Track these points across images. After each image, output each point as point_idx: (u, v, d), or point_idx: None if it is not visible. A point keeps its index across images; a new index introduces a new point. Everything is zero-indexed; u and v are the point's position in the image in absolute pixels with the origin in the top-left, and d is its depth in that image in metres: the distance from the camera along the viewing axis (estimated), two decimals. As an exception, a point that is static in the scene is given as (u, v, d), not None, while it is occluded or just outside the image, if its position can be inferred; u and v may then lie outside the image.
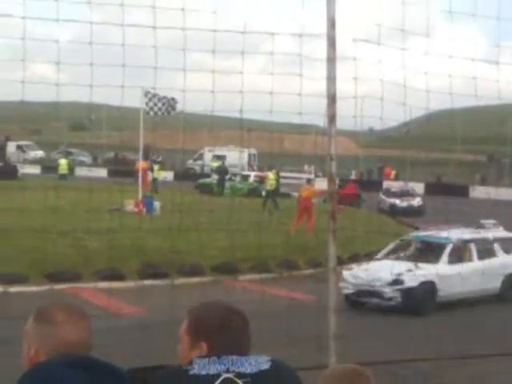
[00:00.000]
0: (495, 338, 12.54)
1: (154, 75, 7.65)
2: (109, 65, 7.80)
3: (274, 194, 35.93)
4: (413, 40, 9.33)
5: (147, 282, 17.60)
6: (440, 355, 10.74)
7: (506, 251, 18.58)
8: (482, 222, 20.00)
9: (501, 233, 19.67)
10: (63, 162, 50.85)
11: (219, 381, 2.62)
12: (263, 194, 37.11)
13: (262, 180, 47.89)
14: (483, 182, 59.16)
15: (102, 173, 60.12)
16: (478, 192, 50.65)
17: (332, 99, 6.36)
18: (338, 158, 6.76)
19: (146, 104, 28.22)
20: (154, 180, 43.34)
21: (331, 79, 6.34)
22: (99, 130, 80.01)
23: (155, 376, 2.74)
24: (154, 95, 28.02)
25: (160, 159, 71.52)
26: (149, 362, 3.08)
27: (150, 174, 42.07)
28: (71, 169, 54.12)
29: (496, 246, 18.53)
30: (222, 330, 2.72)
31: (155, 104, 28.34)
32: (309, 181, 34.08)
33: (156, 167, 46.02)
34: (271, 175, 37.09)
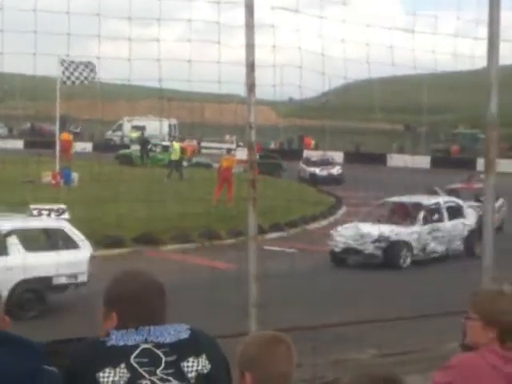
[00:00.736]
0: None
1: (67, 43, 7.42)
2: (20, 31, 7.54)
3: (179, 163, 36.27)
4: (330, 8, 9.36)
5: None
6: (360, 319, 10.97)
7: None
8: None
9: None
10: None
11: (137, 351, 2.59)
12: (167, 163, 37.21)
13: (182, 150, 47.69)
14: (400, 151, 60.42)
15: (18, 144, 58.46)
16: (396, 160, 51.73)
17: (251, 67, 6.32)
18: (258, 127, 6.75)
19: (63, 73, 27.48)
20: None
21: (250, 47, 6.30)
22: (13, 100, 77.74)
23: (72, 348, 2.69)
24: (71, 63, 27.27)
25: (78, 130, 70.24)
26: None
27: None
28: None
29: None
30: (131, 300, 2.68)
31: (71, 73, 27.61)
32: (229, 151, 34.10)
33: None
34: (175, 145, 37.31)
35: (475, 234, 18.69)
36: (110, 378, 2.52)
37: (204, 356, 2.67)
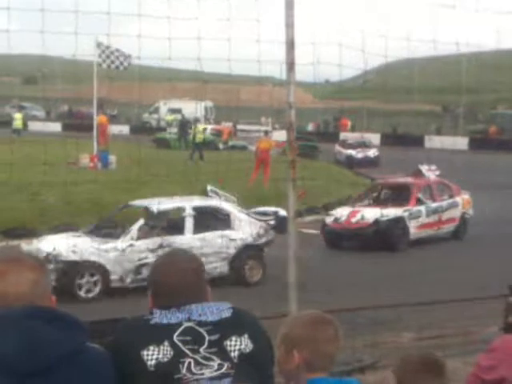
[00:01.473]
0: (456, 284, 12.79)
1: (107, 24, 7.44)
2: (61, 11, 7.56)
3: (202, 146, 36.31)
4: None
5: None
6: (397, 302, 10.90)
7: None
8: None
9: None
10: (18, 116, 48.56)
11: (181, 329, 2.59)
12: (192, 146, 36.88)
13: (218, 133, 47.75)
14: (438, 132, 59.77)
15: (56, 127, 59.04)
16: (434, 142, 51.22)
17: (290, 45, 6.27)
18: (296, 109, 6.69)
19: (99, 56, 27.75)
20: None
21: (289, 25, 6.24)
22: (52, 83, 78.50)
23: (116, 327, 2.70)
24: (107, 47, 27.57)
25: (115, 113, 70.74)
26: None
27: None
28: (25, 123, 52.64)
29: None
30: (169, 280, 2.70)
31: (108, 56, 27.91)
32: (266, 133, 34.02)
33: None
34: (199, 127, 37.36)
35: None
36: (155, 356, 2.52)
37: (246, 335, 2.67)
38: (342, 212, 18.82)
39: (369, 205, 19.27)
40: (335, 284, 13.35)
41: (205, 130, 41.54)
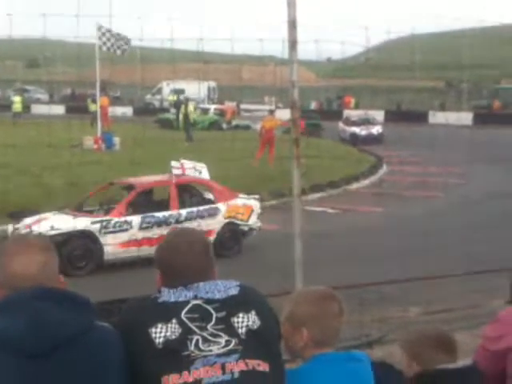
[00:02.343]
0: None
1: (108, 5, 7.41)
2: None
3: (191, 125, 35.84)
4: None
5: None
6: (404, 277, 10.94)
7: None
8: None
9: None
10: (17, 99, 48.86)
11: (188, 307, 2.61)
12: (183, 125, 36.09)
13: (222, 113, 47.65)
14: (442, 108, 59.59)
15: (60, 110, 59.04)
16: (438, 118, 51.11)
17: (292, 24, 6.26)
18: (299, 88, 6.68)
19: (99, 39, 27.87)
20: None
21: (291, 4, 6.23)
22: (54, 66, 78.35)
23: (124, 305, 2.72)
24: (108, 30, 27.73)
25: (118, 94, 70.63)
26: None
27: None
28: (26, 106, 52.75)
29: None
30: (175, 258, 2.72)
31: (108, 39, 28.06)
32: (270, 112, 33.93)
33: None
34: (190, 107, 36.67)
35: None
36: (162, 333, 2.54)
37: (253, 312, 2.69)
38: (28, 221, 13.95)
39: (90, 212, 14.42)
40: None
41: (195, 109, 40.89)
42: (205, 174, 15.59)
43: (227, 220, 14.92)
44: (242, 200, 15.51)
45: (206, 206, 14.87)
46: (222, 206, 15.00)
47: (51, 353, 2.27)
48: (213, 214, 14.83)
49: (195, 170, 15.36)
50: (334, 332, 2.76)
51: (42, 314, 2.29)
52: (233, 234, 15.00)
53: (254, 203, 15.58)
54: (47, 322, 2.29)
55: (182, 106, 36.47)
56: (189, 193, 15.04)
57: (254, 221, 15.37)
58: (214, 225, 14.56)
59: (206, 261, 2.78)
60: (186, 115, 35.22)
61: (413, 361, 3.06)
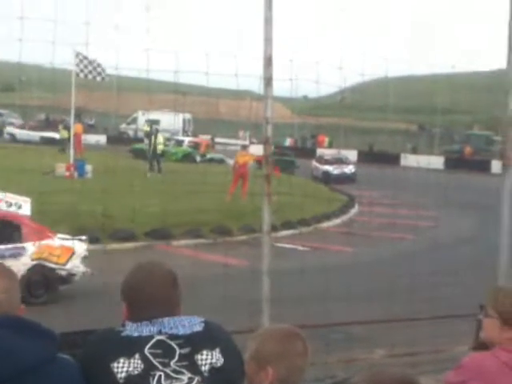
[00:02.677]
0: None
1: (85, 33, 7.44)
2: (40, 19, 7.57)
3: (160, 157, 35.55)
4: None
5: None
6: (371, 318, 10.94)
7: None
8: None
9: None
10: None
11: (152, 342, 2.58)
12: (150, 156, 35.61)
13: (196, 145, 47.70)
14: (414, 151, 60.24)
15: (35, 136, 58.56)
16: (409, 160, 51.69)
17: (268, 61, 6.31)
18: (273, 124, 6.72)
19: (77, 65, 27.92)
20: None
21: (268, 40, 6.28)
22: (30, 91, 78.03)
23: (87, 338, 2.68)
24: (85, 58, 27.81)
25: (92, 122, 70.44)
26: (88, 326, 3.02)
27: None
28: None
29: None
30: (142, 291, 2.69)
31: (85, 66, 28.13)
32: (244, 147, 34.05)
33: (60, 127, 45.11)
34: (160, 138, 36.40)
35: None
36: (125, 369, 2.51)
37: (218, 349, 2.67)
38: None
39: None
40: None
41: (166, 140, 40.71)
42: (25, 210, 13.78)
43: (35, 262, 13.14)
44: (59, 241, 13.68)
45: (9, 245, 13.05)
46: (29, 246, 13.21)
47: (11, 382, 2.23)
48: (16, 254, 13.03)
49: (13, 204, 13.64)
50: (299, 372, 2.71)
51: (2, 342, 2.25)
52: (43, 279, 13.18)
53: (78, 245, 13.72)
54: (7, 350, 2.24)
55: (152, 137, 36.33)
56: None
57: (74, 265, 13.55)
58: (18, 266, 12.06)
59: (174, 294, 2.75)
60: (155, 146, 35.06)
61: None
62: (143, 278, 2.73)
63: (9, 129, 56.13)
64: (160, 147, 35.47)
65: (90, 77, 28.37)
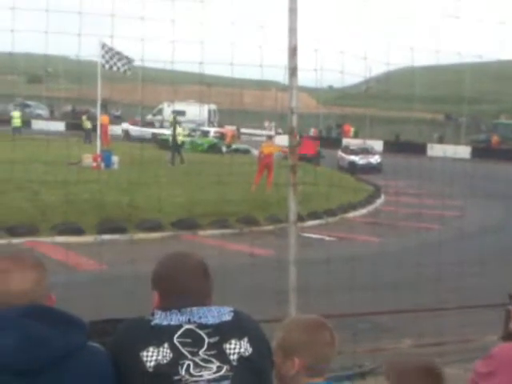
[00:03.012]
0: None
1: (111, 25, 7.46)
2: (65, 11, 7.59)
3: (180, 147, 35.88)
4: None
5: (106, 237, 17.44)
6: (399, 308, 10.90)
7: None
8: None
9: None
10: (16, 114, 49.02)
11: (181, 331, 2.60)
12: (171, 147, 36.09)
13: (222, 136, 47.78)
14: (440, 141, 59.78)
15: (60, 126, 59.08)
16: (436, 150, 51.27)
17: (293, 51, 6.28)
18: (298, 115, 6.69)
19: (103, 57, 27.94)
20: None
21: (292, 30, 6.25)
22: (56, 83, 78.53)
23: (117, 326, 2.70)
24: (110, 49, 27.80)
25: (119, 113, 70.78)
26: (109, 316, 3.04)
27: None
28: (25, 121, 52.84)
29: None
30: (172, 281, 2.70)
31: (111, 58, 28.13)
32: (270, 137, 34.01)
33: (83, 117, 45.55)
34: (179, 129, 36.63)
35: None
36: (154, 357, 2.53)
37: (246, 339, 2.68)
38: None
39: None
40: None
41: (193, 131, 40.94)
42: None
43: None
44: None
45: None
46: None
47: (40, 371, 2.25)
48: None
49: None
50: (326, 361, 2.74)
51: (33, 332, 2.27)
52: None
53: None
54: (38, 339, 2.27)
55: (172, 128, 36.65)
56: None
57: None
58: None
59: (204, 284, 2.76)
60: (174, 136, 35.31)
61: None
62: (176, 267, 2.75)
63: (124, 125, 56.07)
64: (180, 138, 35.71)
65: (114, 68, 28.43)
